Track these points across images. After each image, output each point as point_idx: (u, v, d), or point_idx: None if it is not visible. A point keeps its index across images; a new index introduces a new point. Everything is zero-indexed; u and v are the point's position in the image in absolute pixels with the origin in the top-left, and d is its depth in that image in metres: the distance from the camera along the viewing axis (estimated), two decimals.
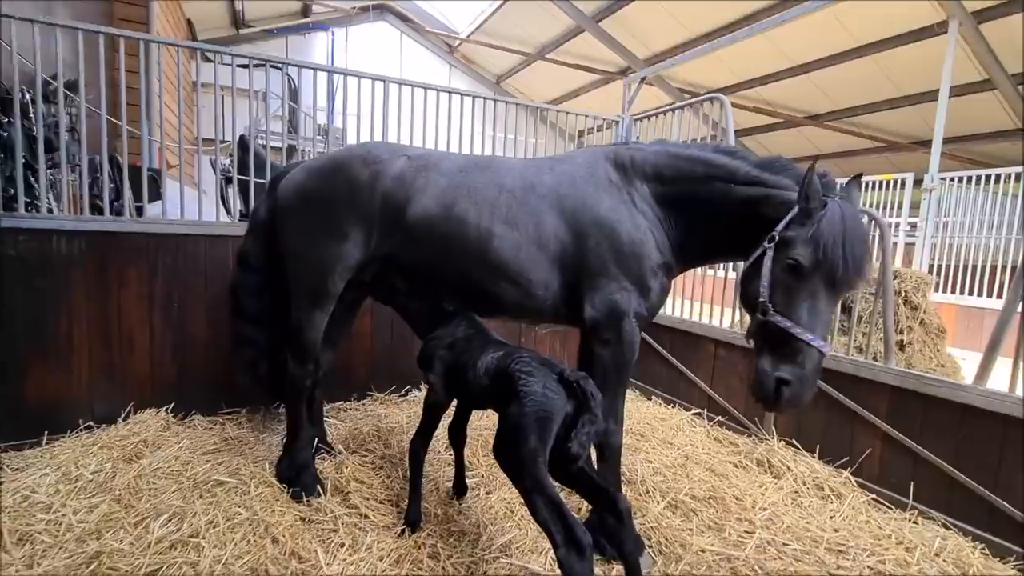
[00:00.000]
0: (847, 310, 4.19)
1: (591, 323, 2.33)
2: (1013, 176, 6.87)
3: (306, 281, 2.66)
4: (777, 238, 2.02)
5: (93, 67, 3.29)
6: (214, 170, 4.18)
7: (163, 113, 4.19)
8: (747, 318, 2.20)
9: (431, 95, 4.32)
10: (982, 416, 2.56)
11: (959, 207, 7.44)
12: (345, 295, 2.95)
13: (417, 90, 4.30)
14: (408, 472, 2.53)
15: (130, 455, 2.89)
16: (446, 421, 2.72)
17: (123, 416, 3.32)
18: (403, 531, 2.39)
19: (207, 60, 9.70)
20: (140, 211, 4.00)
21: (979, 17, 7.74)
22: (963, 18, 7.57)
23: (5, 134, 4.05)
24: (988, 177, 7.08)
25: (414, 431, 2.52)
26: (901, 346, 4.24)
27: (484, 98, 4.68)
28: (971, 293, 7.22)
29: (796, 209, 1.99)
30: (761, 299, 2.02)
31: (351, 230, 2.54)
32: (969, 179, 7.30)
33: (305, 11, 12.91)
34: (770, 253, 2.04)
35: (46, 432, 3.11)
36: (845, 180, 2.15)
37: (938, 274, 7.31)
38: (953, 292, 7.30)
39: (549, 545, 2.35)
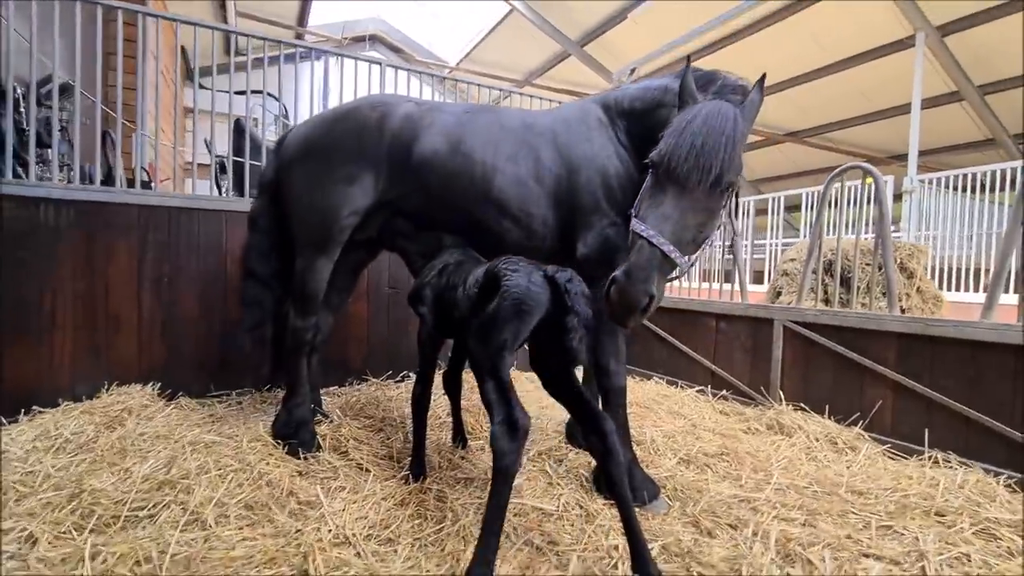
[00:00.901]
0: (845, 282, 4.20)
1: (583, 261, 2.31)
2: (988, 181, 7.02)
3: (310, 227, 2.61)
4: None
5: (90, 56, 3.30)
6: (209, 151, 4.15)
7: (158, 132, 4.19)
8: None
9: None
10: (992, 350, 2.54)
11: (939, 216, 7.55)
12: (349, 256, 2.89)
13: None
14: (412, 428, 2.41)
15: (113, 422, 2.72)
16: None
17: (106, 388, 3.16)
18: (407, 478, 2.26)
19: (202, 87, 9.95)
20: None
21: (943, 31, 8.17)
22: (929, 31, 7.99)
23: None
24: (966, 182, 7.23)
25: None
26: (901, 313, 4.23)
27: (396, 68, 4.92)
28: (959, 290, 7.31)
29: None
30: (631, 210, 1.93)
31: (358, 173, 2.51)
32: (947, 182, 7.49)
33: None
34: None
35: (22, 412, 2.93)
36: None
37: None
38: (941, 289, 7.37)
39: (560, 490, 2.26)
